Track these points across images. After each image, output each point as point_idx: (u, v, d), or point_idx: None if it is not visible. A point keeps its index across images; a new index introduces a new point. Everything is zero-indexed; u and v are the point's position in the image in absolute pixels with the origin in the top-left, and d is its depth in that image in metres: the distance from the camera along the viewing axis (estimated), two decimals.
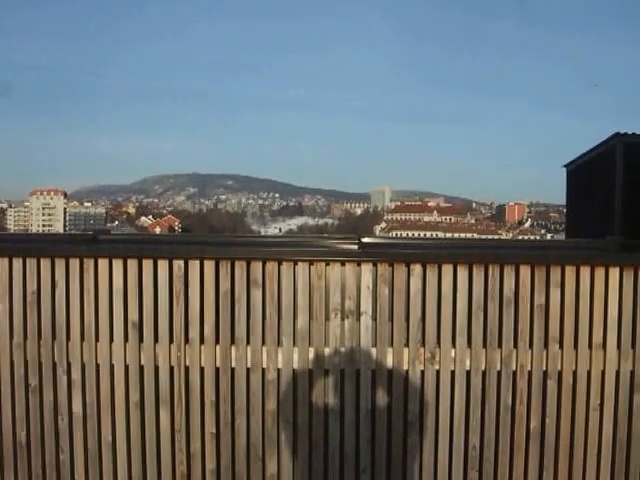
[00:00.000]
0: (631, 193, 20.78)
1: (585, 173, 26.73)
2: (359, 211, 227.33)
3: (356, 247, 4.89)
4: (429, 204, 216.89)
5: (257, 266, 4.84)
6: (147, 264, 4.86)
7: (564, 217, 35.54)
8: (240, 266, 4.84)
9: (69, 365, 4.91)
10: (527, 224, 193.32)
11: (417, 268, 4.83)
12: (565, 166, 29.67)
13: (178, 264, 4.85)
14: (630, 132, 21.86)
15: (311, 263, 4.85)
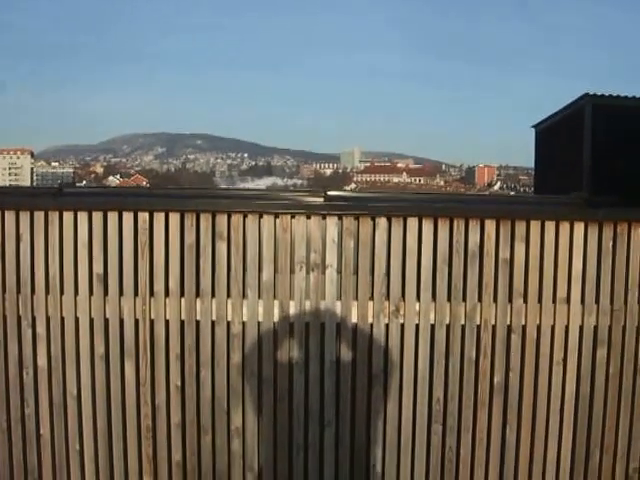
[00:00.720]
0: (599, 153, 20.97)
1: (554, 133, 26.86)
2: (328, 172, 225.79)
3: (322, 200, 4.88)
4: (398, 165, 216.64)
5: (222, 219, 4.82)
6: (112, 217, 4.83)
7: (533, 180, 35.57)
8: (205, 219, 4.82)
9: (34, 319, 4.89)
10: (497, 186, 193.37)
11: (382, 222, 4.83)
12: (534, 127, 29.75)
13: (143, 217, 4.82)
14: (599, 93, 22.07)
15: (276, 216, 4.84)
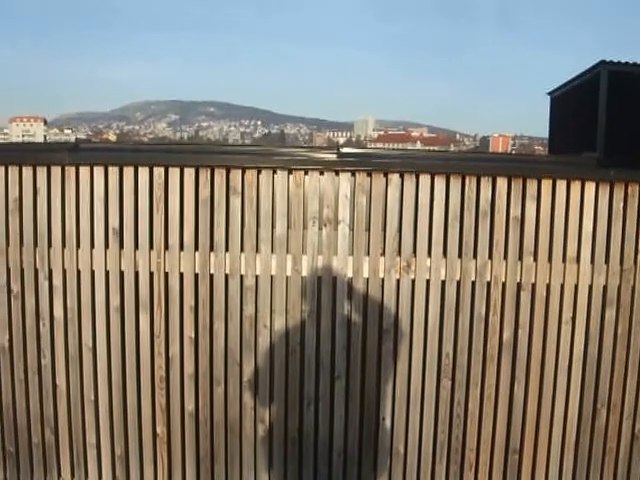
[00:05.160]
0: (614, 117, 21.02)
1: (569, 100, 26.90)
2: (342, 140, 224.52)
3: (335, 157, 4.92)
4: (412, 134, 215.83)
5: (236, 174, 4.86)
6: (128, 171, 4.88)
7: (547, 149, 35.59)
8: (220, 174, 4.86)
9: (50, 271, 4.97)
10: None
11: (395, 178, 4.86)
12: (549, 93, 29.77)
13: (158, 171, 4.87)
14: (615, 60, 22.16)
15: (290, 172, 4.89)
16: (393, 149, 5.82)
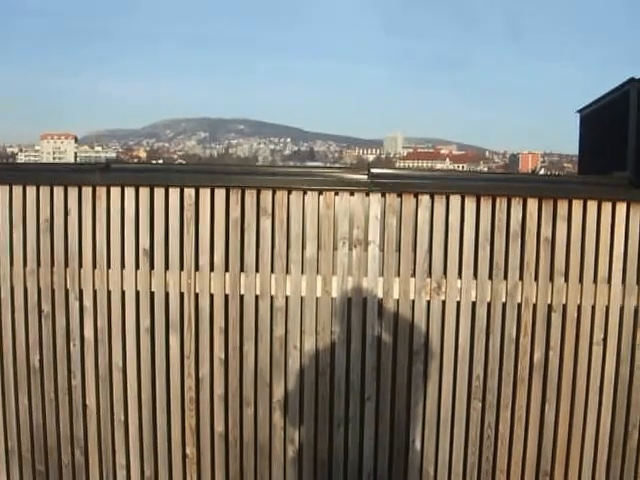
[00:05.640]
0: None
1: (599, 118, 26.74)
2: (371, 158, 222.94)
3: (365, 177, 4.91)
4: (442, 151, 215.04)
5: (267, 195, 4.87)
6: (159, 192, 4.90)
7: (577, 167, 35.48)
8: (250, 195, 4.87)
9: (81, 291, 4.98)
10: (541, 173, 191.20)
11: (425, 199, 4.85)
12: (579, 111, 29.65)
13: (189, 192, 4.89)
14: None
15: (320, 192, 4.89)
16: (423, 168, 5.82)
